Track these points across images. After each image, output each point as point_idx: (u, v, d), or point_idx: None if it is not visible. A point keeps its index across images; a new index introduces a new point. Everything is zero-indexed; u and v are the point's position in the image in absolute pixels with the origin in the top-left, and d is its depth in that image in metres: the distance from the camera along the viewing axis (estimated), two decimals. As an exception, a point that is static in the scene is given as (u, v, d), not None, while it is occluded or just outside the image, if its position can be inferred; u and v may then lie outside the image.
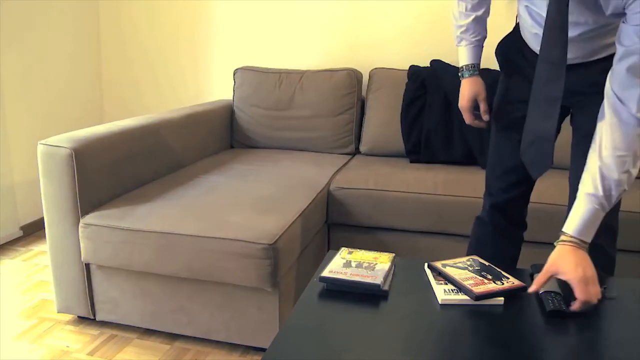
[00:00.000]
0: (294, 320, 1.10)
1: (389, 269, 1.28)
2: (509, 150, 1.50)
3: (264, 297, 1.66)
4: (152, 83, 3.11)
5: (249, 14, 2.87)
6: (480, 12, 1.49)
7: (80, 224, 1.74)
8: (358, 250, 1.38)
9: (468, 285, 1.18)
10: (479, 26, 1.50)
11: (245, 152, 2.64)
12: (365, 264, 1.29)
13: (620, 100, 1.10)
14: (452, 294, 1.18)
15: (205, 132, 2.54)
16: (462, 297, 1.17)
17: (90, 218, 1.74)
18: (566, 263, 1.12)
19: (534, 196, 2.00)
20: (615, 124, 1.11)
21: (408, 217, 2.07)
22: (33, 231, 2.70)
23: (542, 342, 1.03)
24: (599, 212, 1.15)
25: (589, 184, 1.14)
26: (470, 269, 1.27)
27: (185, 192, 1.92)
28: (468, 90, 1.49)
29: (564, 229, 1.18)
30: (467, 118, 1.51)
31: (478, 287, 1.17)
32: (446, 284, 1.23)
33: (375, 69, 2.65)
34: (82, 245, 1.75)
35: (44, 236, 1.86)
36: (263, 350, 1.72)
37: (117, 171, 1.90)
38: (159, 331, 1.83)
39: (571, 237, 1.16)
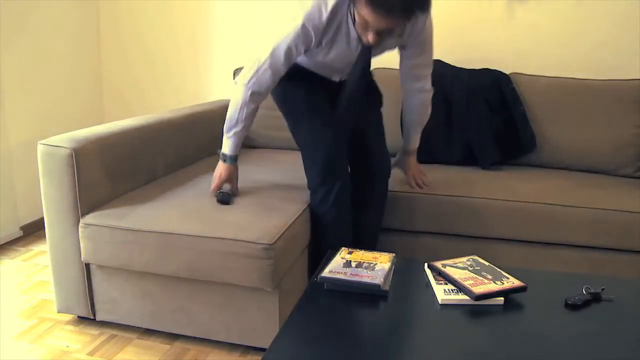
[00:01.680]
0: (294, 320, 1.10)
1: (389, 269, 1.28)
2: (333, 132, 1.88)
3: (264, 297, 1.66)
4: (152, 83, 3.11)
5: (249, 14, 2.87)
6: (257, 106, 1.82)
7: (80, 224, 1.74)
8: (358, 250, 1.39)
9: (468, 285, 1.18)
10: (252, 120, 1.84)
11: (245, 152, 2.64)
12: (365, 264, 1.29)
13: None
14: (452, 294, 1.19)
15: (205, 132, 2.54)
16: (462, 297, 1.17)
17: (90, 218, 1.74)
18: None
19: (533, 196, 2.00)
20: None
21: (408, 217, 2.07)
22: (33, 231, 2.70)
23: (542, 343, 1.03)
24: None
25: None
26: (470, 269, 1.27)
27: (186, 192, 1.92)
28: (226, 174, 1.87)
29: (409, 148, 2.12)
30: (215, 190, 1.86)
31: (478, 287, 1.18)
32: (446, 284, 1.23)
33: (376, 69, 2.64)
34: (82, 245, 1.75)
35: (44, 236, 1.86)
36: (263, 350, 1.72)
37: (117, 171, 1.90)
38: (159, 331, 1.83)
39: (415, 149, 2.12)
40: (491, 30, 2.62)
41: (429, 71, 1.94)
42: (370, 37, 1.54)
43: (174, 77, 3.07)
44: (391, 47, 1.81)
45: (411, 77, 1.93)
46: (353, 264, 1.28)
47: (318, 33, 1.63)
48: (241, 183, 2.02)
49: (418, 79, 1.93)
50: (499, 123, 2.39)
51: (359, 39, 1.64)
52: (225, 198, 1.80)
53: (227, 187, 1.88)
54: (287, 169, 2.28)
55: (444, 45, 2.66)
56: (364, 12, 1.49)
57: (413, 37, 1.77)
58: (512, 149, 2.38)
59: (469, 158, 2.38)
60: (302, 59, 1.81)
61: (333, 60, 1.75)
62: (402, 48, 1.84)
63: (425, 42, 1.82)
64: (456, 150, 2.39)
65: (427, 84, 1.96)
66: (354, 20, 1.60)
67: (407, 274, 1.31)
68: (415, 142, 2.10)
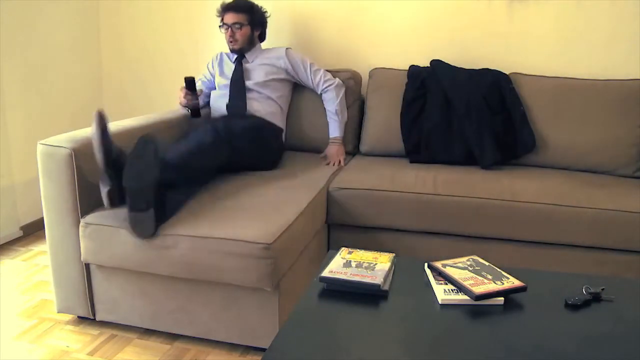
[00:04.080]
0: (294, 320, 1.10)
1: (389, 269, 1.28)
2: None
3: (264, 297, 1.66)
4: (152, 83, 3.11)
5: (249, 14, 2.86)
6: None
7: (81, 224, 1.74)
8: (358, 250, 1.39)
9: (468, 285, 1.18)
10: None
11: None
12: (365, 264, 1.29)
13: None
14: (452, 294, 1.19)
15: (205, 132, 2.54)
16: (462, 297, 1.17)
17: (90, 218, 1.74)
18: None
19: (533, 196, 2.00)
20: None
21: (408, 217, 2.07)
22: (33, 231, 2.70)
23: (542, 343, 1.03)
24: (341, 124, 2.54)
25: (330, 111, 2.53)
26: (470, 269, 1.27)
27: (185, 192, 1.92)
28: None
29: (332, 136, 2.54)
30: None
31: (478, 287, 1.18)
32: (446, 284, 1.23)
33: (375, 69, 2.65)
34: (82, 245, 1.75)
35: (44, 236, 1.86)
36: (263, 350, 1.72)
37: (117, 171, 1.90)
38: (159, 331, 1.83)
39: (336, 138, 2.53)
40: (491, 30, 2.62)
41: (321, 75, 2.51)
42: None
43: (174, 77, 3.07)
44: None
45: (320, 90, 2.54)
46: (353, 264, 1.28)
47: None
48: (242, 183, 2.02)
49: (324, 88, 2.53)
50: (499, 123, 2.39)
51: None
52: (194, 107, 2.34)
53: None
54: (288, 168, 2.28)
55: (444, 45, 2.67)
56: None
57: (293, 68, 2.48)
58: (512, 149, 2.38)
59: (469, 158, 2.38)
60: None
61: None
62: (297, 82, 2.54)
63: (296, 63, 2.49)
64: (456, 150, 2.39)
65: (329, 81, 2.52)
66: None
67: (407, 274, 1.31)
68: (331, 131, 2.54)
